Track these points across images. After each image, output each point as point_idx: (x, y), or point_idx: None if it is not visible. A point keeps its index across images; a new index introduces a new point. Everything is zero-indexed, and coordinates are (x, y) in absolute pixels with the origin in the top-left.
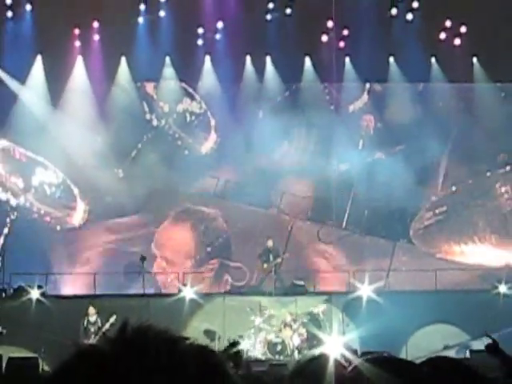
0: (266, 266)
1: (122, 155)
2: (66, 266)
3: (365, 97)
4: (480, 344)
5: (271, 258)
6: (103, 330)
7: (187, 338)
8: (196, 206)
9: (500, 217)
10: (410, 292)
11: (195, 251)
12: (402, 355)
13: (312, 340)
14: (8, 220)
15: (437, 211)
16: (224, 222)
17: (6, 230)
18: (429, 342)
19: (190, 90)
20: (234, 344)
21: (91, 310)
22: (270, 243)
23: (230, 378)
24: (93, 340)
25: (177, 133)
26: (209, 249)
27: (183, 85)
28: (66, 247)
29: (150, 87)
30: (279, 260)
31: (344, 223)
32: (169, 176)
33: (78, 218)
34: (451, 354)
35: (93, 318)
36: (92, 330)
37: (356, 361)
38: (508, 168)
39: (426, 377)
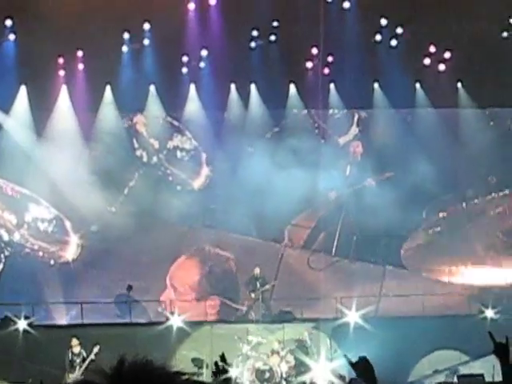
0: (253, 294)
1: (112, 189)
2: (59, 298)
3: (350, 123)
4: (468, 368)
5: (258, 285)
6: (88, 360)
7: (183, 374)
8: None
9: (494, 237)
10: (397, 318)
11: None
12: (390, 381)
13: (300, 367)
14: (2, 256)
15: (430, 231)
16: (234, 263)
17: (0, 266)
18: (419, 366)
19: (179, 125)
20: (222, 358)
21: (74, 341)
22: (257, 271)
23: None
24: (78, 372)
25: (168, 169)
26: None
27: (170, 119)
28: (60, 281)
29: (139, 122)
30: (267, 287)
31: (334, 249)
32: (160, 210)
33: (71, 252)
34: (441, 378)
35: (76, 350)
36: (77, 361)
37: None
38: (497, 191)
39: None
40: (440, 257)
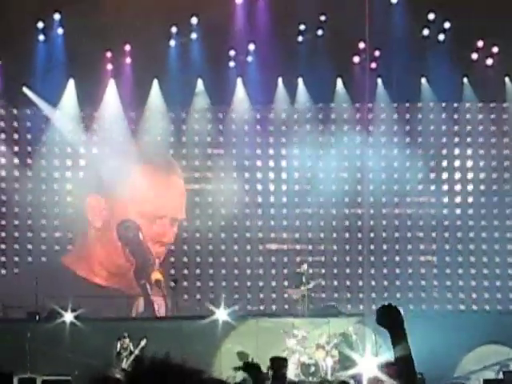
0: (301, 288)
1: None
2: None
3: (397, 117)
4: None
5: (304, 281)
6: (134, 354)
7: (203, 372)
8: None
9: None
10: (442, 312)
11: None
12: (435, 376)
13: (345, 361)
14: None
15: None
16: None
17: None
18: (465, 361)
19: (225, 119)
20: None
21: (124, 335)
22: (304, 267)
23: None
24: (125, 365)
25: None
26: None
27: (217, 113)
28: None
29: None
30: (313, 284)
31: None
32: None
33: None
34: (489, 374)
35: (125, 344)
36: (124, 354)
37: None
38: None
39: None
40: None
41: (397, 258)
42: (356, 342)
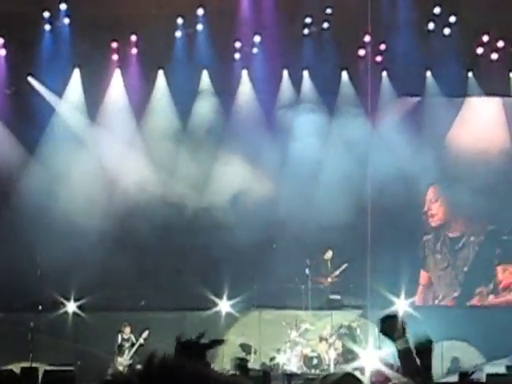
0: (329, 279)
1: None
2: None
3: (402, 110)
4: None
5: (330, 269)
6: (137, 345)
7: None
8: None
9: None
10: (449, 306)
11: None
12: (439, 370)
13: (348, 354)
14: None
15: None
16: None
17: None
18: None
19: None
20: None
21: (126, 326)
22: (329, 254)
23: None
24: (127, 356)
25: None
26: None
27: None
28: None
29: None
30: (341, 269)
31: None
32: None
33: None
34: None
35: (127, 334)
36: (126, 345)
37: (393, 375)
38: None
39: None
40: None
41: (401, 251)
42: (359, 335)
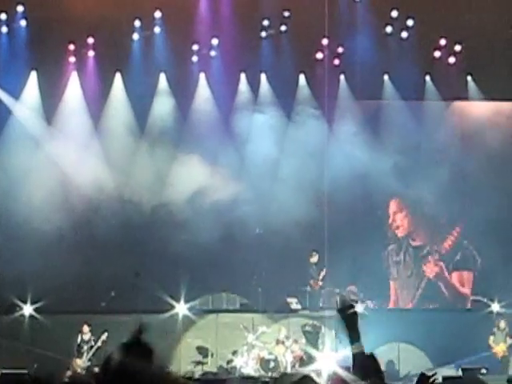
0: (317, 281)
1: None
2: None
3: (359, 113)
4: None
5: (316, 272)
6: (95, 347)
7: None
8: None
9: None
10: (404, 309)
11: None
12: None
13: (305, 357)
14: None
15: None
16: None
17: None
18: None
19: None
20: None
21: (85, 328)
22: (315, 258)
23: None
24: (85, 358)
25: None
26: None
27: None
28: None
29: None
30: (323, 275)
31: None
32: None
33: None
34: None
35: (86, 336)
36: (85, 347)
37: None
38: None
39: None
40: None
41: (359, 253)
42: (316, 337)
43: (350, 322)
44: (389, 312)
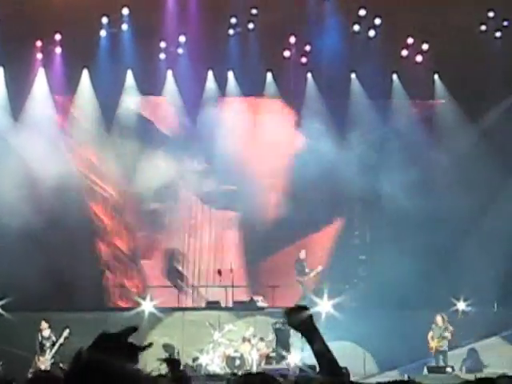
0: (305, 278)
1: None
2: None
3: (326, 112)
4: None
5: (306, 269)
6: (57, 344)
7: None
8: None
9: None
10: (370, 307)
11: None
12: (362, 371)
13: (270, 355)
14: None
15: None
16: None
17: None
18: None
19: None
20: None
21: (43, 324)
22: (303, 254)
23: None
24: (48, 355)
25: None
26: None
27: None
28: None
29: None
30: (318, 270)
31: None
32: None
33: None
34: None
35: (46, 333)
36: (47, 344)
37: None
38: None
39: None
40: None
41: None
42: (282, 336)
43: (309, 327)
44: None
